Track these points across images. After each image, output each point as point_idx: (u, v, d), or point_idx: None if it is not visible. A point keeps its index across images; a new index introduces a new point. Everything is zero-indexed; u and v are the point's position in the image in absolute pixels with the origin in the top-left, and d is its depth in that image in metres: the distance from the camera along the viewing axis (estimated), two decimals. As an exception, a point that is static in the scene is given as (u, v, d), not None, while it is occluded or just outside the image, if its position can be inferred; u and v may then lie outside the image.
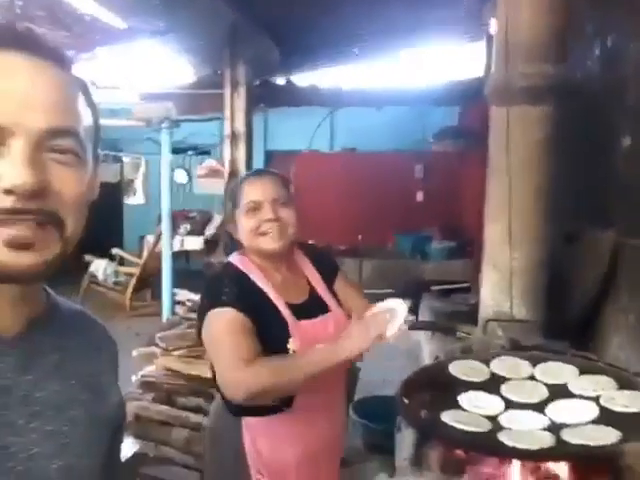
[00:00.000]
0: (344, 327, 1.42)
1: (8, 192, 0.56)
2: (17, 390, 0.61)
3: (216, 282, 1.50)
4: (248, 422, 1.49)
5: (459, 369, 1.44)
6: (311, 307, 1.54)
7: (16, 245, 0.58)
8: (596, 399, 1.25)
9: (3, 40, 0.60)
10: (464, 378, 1.40)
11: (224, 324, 1.41)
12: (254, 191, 1.53)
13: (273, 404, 1.45)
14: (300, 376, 1.36)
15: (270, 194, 1.52)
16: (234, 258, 1.57)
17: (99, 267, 6.61)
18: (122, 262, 7.08)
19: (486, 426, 1.18)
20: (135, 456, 2.65)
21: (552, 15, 1.70)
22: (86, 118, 0.65)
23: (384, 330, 1.36)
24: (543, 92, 1.69)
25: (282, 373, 1.35)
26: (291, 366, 1.37)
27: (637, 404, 1.20)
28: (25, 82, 0.59)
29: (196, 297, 3.71)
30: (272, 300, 1.49)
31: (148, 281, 6.83)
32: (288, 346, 1.44)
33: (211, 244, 3.69)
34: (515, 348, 1.57)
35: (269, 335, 1.42)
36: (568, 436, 1.11)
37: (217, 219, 3.66)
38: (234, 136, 3.99)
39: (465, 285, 3.47)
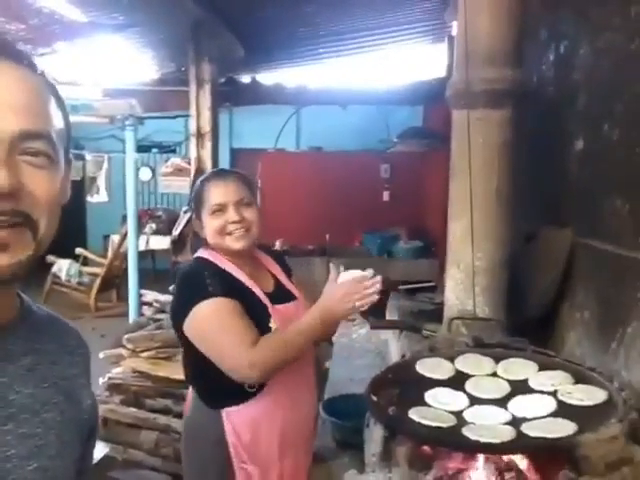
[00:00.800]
0: None
1: None
2: None
3: (195, 276, 1.55)
4: (228, 412, 1.53)
5: (425, 367, 1.48)
6: (280, 295, 1.64)
7: None
8: (554, 393, 1.31)
9: None
10: (430, 375, 1.45)
11: (219, 313, 1.47)
12: (219, 193, 1.59)
13: (249, 390, 1.51)
14: (301, 342, 1.48)
15: (234, 196, 1.59)
16: (203, 253, 1.63)
17: (62, 267, 6.47)
18: (86, 262, 6.94)
19: (451, 421, 1.22)
20: (103, 459, 2.62)
21: (510, 21, 1.76)
22: (57, 121, 0.66)
23: (358, 290, 1.47)
24: (502, 96, 1.74)
25: (286, 345, 1.46)
26: (290, 336, 1.47)
27: (592, 398, 1.27)
28: None
29: (163, 297, 3.67)
30: (249, 287, 1.57)
31: (113, 281, 6.72)
32: (270, 325, 1.52)
33: (178, 243, 3.65)
34: (478, 346, 1.62)
35: (252, 318, 1.50)
36: (528, 429, 1.16)
37: (184, 218, 3.63)
38: (200, 134, 3.96)
39: (431, 284, 3.53)
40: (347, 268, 1.63)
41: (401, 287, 3.27)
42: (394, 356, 2.34)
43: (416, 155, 6.18)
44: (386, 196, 6.55)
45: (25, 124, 0.60)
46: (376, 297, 1.50)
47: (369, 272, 1.51)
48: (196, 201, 1.64)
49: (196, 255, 1.65)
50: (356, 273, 1.52)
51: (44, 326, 0.73)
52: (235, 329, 1.46)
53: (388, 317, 2.67)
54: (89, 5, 3.56)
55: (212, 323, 1.48)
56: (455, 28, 4.52)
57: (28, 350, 0.68)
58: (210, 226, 1.59)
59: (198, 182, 1.70)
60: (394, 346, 2.43)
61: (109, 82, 5.00)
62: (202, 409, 1.58)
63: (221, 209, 1.57)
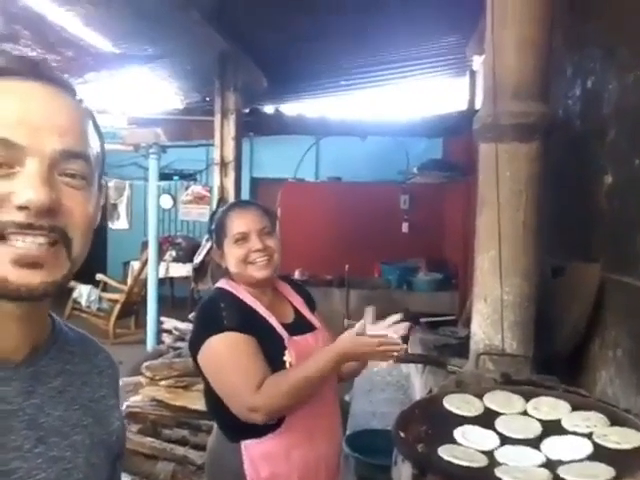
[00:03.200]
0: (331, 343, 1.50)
1: (22, 208, 0.58)
2: (23, 415, 0.62)
3: (213, 308, 1.54)
4: (246, 445, 1.51)
5: (453, 403, 1.45)
6: (299, 326, 1.63)
7: (26, 264, 0.59)
8: (589, 435, 1.27)
9: (25, 70, 0.64)
10: (458, 412, 1.41)
11: (231, 349, 1.46)
12: (241, 222, 1.61)
13: (268, 423, 1.48)
14: (308, 383, 1.44)
15: (256, 224, 1.61)
16: (223, 283, 1.63)
17: (83, 293, 6.52)
18: (105, 288, 7.00)
19: (483, 462, 1.18)
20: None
21: (536, 55, 1.77)
22: (95, 144, 0.68)
23: (376, 344, 1.43)
24: (530, 130, 1.74)
25: (292, 387, 1.42)
26: (298, 378, 1.44)
27: (629, 441, 1.22)
28: (42, 106, 0.63)
29: (183, 325, 3.67)
30: (266, 319, 1.56)
31: (132, 308, 6.75)
32: (284, 358, 1.50)
33: (199, 271, 3.67)
34: (507, 382, 1.58)
35: (266, 351, 1.49)
36: (565, 473, 1.12)
37: (205, 246, 3.65)
38: (223, 163, 4.01)
39: (452, 318, 3.49)
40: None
41: (422, 320, 3.24)
42: (418, 390, 2.30)
43: (435, 187, 6.19)
44: (405, 227, 6.53)
45: (67, 144, 0.62)
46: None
47: (398, 316, 1.50)
48: (218, 231, 1.65)
49: (216, 286, 1.65)
50: (388, 323, 1.50)
51: (75, 347, 0.73)
52: (243, 369, 1.44)
53: (410, 350, 2.63)
54: (120, 37, 3.67)
55: (222, 359, 1.47)
56: (477, 63, 4.58)
57: (59, 371, 0.68)
58: (233, 255, 1.59)
59: (219, 212, 1.72)
60: (418, 381, 2.38)
61: (135, 111, 5.12)
62: (223, 441, 1.57)
63: (244, 238, 1.58)
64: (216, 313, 1.50)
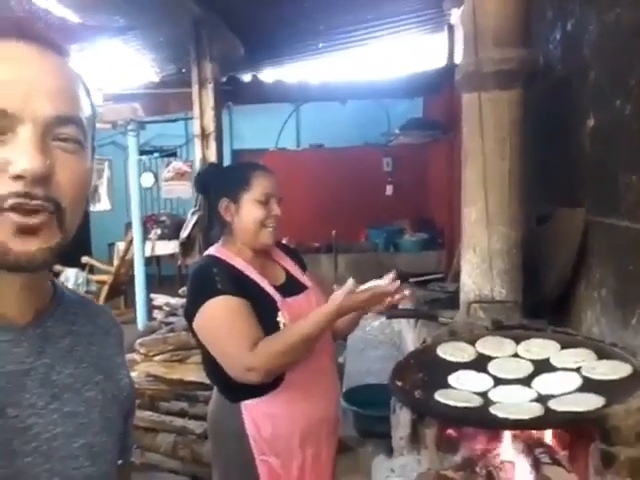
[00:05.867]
0: (324, 302, 1.51)
1: (18, 177, 0.57)
2: (35, 374, 0.63)
3: (206, 273, 1.54)
4: (247, 405, 1.53)
5: (447, 351, 1.48)
6: (290, 287, 1.64)
7: (23, 231, 0.58)
8: (578, 370, 1.31)
9: (6, 30, 0.61)
10: (452, 359, 1.44)
11: (225, 311, 1.47)
12: (269, 184, 1.62)
13: (265, 383, 1.50)
14: (303, 342, 1.45)
15: (277, 191, 1.63)
16: (214, 250, 1.63)
17: (70, 276, 6.46)
18: (92, 270, 6.94)
19: (478, 402, 1.22)
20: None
21: (516, 1, 1.75)
22: (86, 107, 0.66)
23: (367, 298, 1.46)
24: (513, 76, 1.73)
25: (286, 346, 1.44)
26: (292, 337, 1.45)
27: (616, 372, 1.26)
28: (32, 70, 0.60)
29: (174, 301, 3.67)
30: (258, 283, 1.57)
31: (120, 289, 6.72)
32: (278, 319, 1.51)
33: (186, 245, 3.65)
34: (498, 328, 1.62)
35: (260, 313, 1.50)
36: (556, 405, 1.15)
37: (191, 220, 3.63)
38: (204, 134, 3.95)
39: (440, 276, 3.53)
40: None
41: (411, 280, 3.27)
42: (410, 345, 2.34)
43: (417, 147, 6.17)
44: (389, 190, 6.54)
45: (59, 109, 0.61)
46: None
47: (388, 279, 1.50)
48: (237, 184, 1.60)
49: (206, 253, 1.65)
50: (377, 283, 1.51)
51: (78, 308, 0.74)
52: (238, 331, 1.45)
53: (401, 307, 2.67)
54: (88, 9, 3.55)
55: (217, 322, 1.49)
56: (454, 16, 4.51)
57: (66, 332, 0.69)
58: (252, 213, 1.58)
59: (239, 166, 1.71)
60: (410, 335, 2.42)
61: (110, 87, 5.00)
62: (223, 403, 1.59)
63: (267, 200, 1.59)
64: (209, 278, 1.51)
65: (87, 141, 0.65)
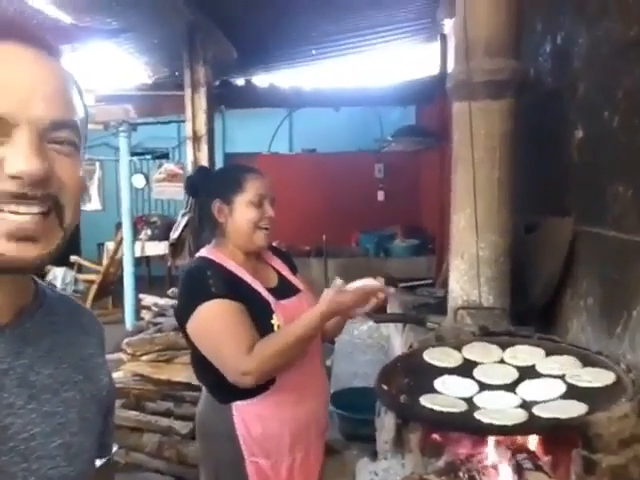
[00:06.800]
0: (316, 304, 1.52)
1: (14, 178, 0.57)
2: (13, 373, 0.63)
3: (199, 276, 1.54)
4: (238, 406, 1.53)
5: (433, 356, 1.49)
6: (283, 289, 1.64)
7: (22, 237, 0.58)
8: (562, 377, 1.32)
9: (5, 32, 0.60)
10: (439, 364, 1.45)
11: (220, 315, 1.47)
12: (262, 185, 1.63)
13: (258, 384, 1.50)
14: (298, 343, 1.46)
15: (271, 193, 1.64)
16: (206, 252, 1.62)
17: (57, 275, 6.43)
18: (80, 270, 6.91)
19: (463, 407, 1.22)
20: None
21: (508, 12, 1.78)
22: (80, 109, 0.66)
23: (355, 297, 1.48)
24: (503, 86, 1.76)
25: (281, 348, 1.45)
26: (286, 338, 1.46)
27: (600, 379, 1.27)
28: (28, 73, 0.60)
29: (162, 301, 3.66)
30: (251, 285, 1.57)
31: (109, 288, 6.69)
32: (272, 322, 1.52)
33: (176, 247, 3.65)
34: (485, 334, 1.62)
35: (254, 316, 1.50)
36: (540, 411, 1.16)
37: (182, 221, 3.62)
38: (196, 137, 3.95)
39: (429, 282, 3.54)
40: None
41: (400, 285, 3.28)
42: (398, 349, 2.34)
43: (409, 154, 6.21)
44: (381, 196, 6.57)
45: (55, 114, 0.61)
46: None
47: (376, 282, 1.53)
48: (229, 185, 1.62)
49: (199, 254, 1.64)
50: (364, 283, 1.53)
51: (59, 308, 0.74)
52: (233, 334, 1.45)
53: (390, 311, 2.68)
54: (81, 11, 3.54)
55: (212, 326, 1.48)
56: (447, 26, 4.55)
57: (46, 332, 0.69)
58: (245, 215, 1.59)
59: (231, 169, 1.71)
60: (398, 340, 2.43)
61: (103, 88, 4.98)
62: (213, 404, 1.58)
63: (260, 201, 1.60)
64: (203, 281, 1.50)
65: (81, 143, 0.65)
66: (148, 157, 8.33)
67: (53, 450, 0.64)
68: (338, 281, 1.49)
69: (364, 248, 5.79)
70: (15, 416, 0.61)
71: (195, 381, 2.84)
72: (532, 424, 1.12)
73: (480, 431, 1.18)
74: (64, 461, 0.65)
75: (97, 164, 8.98)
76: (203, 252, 1.63)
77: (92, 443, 0.71)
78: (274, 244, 2.25)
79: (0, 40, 0.60)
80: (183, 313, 1.53)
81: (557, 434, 1.16)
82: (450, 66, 4.74)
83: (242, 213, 1.60)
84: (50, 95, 0.60)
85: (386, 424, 1.37)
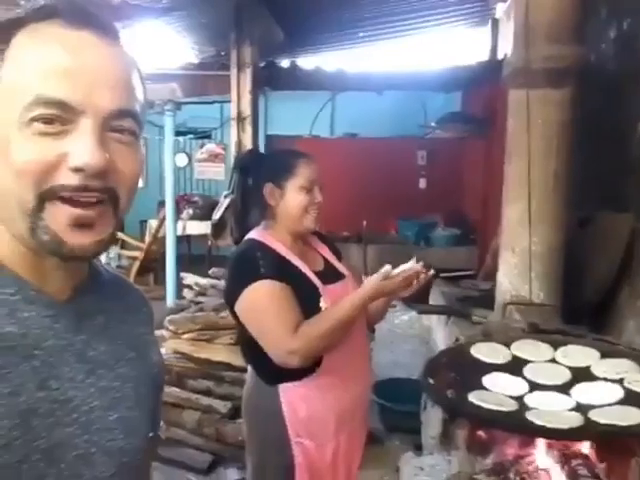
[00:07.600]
0: None
1: (77, 170, 0.57)
2: (73, 349, 0.65)
3: (249, 257, 1.56)
4: (284, 388, 1.55)
5: (481, 351, 1.45)
6: (329, 274, 1.66)
7: (80, 224, 0.59)
8: (620, 381, 1.27)
9: (69, 13, 0.60)
10: (486, 360, 1.42)
11: (269, 295, 1.49)
12: (314, 171, 1.64)
13: (305, 366, 1.52)
14: (342, 325, 1.48)
15: (320, 179, 1.65)
16: (255, 234, 1.64)
17: (101, 251, 6.59)
18: (123, 246, 7.06)
19: (513, 406, 1.19)
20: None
21: (571, -2, 1.70)
22: (141, 96, 0.65)
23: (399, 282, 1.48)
24: (564, 74, 1.68)
25: (327, 329, 1.47)
26: (332, 319, 1.48)
27: (660, 386, 1.22)
28: (93, 60, 0.59)
29: (203, 281, 3.70)
30: (299, 268, 1.58)
31: (151, 265, 6.82)
32: (320, 305, 1.53)
33: (218, 227, 3.67)
34: (535, 331, 1.58)
35: (302, 299, 1.52)
36: (596, 416, 1.12)
37: (224, 202, 3.64)
38: (240, 118, 3.94)
39: (470, 273, 3.48)
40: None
41: (442, 274, 3.23)
42: (441, 342, 2.31)
43: (453, 142, 6.07)
44: (422, 183, 6.45)
45: (120, 102, 0.60)
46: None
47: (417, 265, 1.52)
48: (282, 169, 1.64)
49: (248, 236, 1.65)
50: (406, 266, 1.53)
51: (111, 287, 0.75)
52: (281, 315, 1.47)
53: (432, 303, 2.64)
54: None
55: (261, 306, 1.50)
56: (499, 10, 4.40)
57: (100, 310, 0.71)
58: (296, 199, 1.61)
59: (284, 153, 1.73)
60: (441, 332, 2.39)
61: (149, 67, 5.03)
62: (259, 384, 1.61)
63: (311, 186, 1.61)
64: (253, 262, 1.53)
65: (141, 131, 0.65)
66: (191, 136, 8.41)
67: (111, 423, 0.66)
68: (387, 267, 1.48)
69: (404, 235, 5.72)
70: (76, 389, 0.63)
71: (235, 362, 2.89)
72: (589, 429, 1.08)
73: (534, 433, 1.15)
74: (121, 434, 0.67)
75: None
76: (252, 234, 1.65)
77: (146, 418, 0.73)
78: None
79: (67, 24, 0.59)
80: (232, 293, 1.55)
81: (615, 441, 1.11)
82: (501, 52, 4.60)
83: (293, 197, 1.61)
84: (115, 83, 0.60)
85: (432, 419, 1.35)
